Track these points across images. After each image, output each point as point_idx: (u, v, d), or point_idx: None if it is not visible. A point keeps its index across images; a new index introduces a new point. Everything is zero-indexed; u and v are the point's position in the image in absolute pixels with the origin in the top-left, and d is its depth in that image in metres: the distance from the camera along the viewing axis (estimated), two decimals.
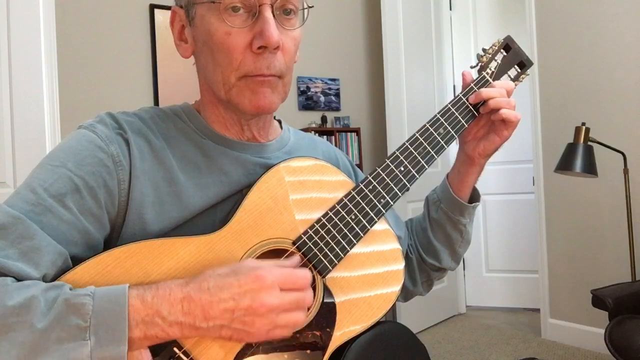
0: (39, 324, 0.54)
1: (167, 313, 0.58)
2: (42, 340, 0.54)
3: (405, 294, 0.96)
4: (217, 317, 0.59)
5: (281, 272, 0.62)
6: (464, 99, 0.84)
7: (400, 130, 3.25)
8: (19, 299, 0.55)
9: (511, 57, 0.89)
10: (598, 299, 2.02)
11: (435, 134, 0.81)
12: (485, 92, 0.83)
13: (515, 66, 0.89)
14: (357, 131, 3.59)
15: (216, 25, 0.69)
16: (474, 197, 0.92)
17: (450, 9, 3.78)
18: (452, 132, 0.82)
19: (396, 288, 0.77)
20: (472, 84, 0.85)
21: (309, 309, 0.69)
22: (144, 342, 0.58)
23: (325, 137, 3.58)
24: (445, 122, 0.82)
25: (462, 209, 0.89)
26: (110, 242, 0.69)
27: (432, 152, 0.80)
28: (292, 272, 0.63)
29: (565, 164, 2.39)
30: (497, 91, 0.83)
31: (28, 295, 0.55)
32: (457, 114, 0.83)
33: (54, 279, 0.61)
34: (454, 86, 3.74)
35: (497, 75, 0.88)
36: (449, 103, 0.84)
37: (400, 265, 0.78)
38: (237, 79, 0.71)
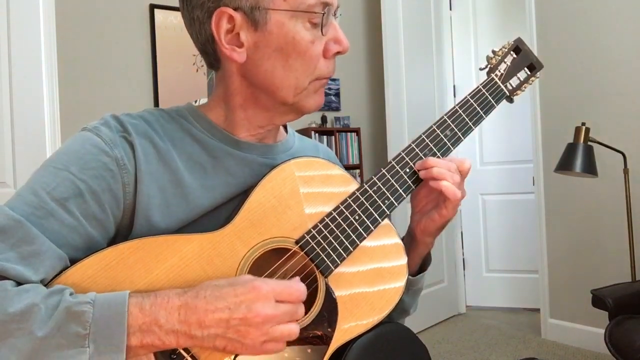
0: (39, 331, 0.54)
1: (164, 321, 0.58)
2: (42, 347, 0.54)
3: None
4: (212, 326, 0.59)
5: (277, 283, 0.63)
6: (471, 101, 0.83)
7: (400, 130, 3.24)
8: (19, 305, 0.55)
9: (521, 59, 0.88)
10: (598, 299, 2.02)
11: (442, 136, 0.81)
12: (432, 161, 0.77)
13: (525, 68, 0.88)
14: (357, 131, 3.59)
15: (302, 34, 0.70)
16: (424, 263, 0.87)
17: (450, 9, 3.78)
18: (459, 134, 0.82)
19: (399, 283, 0.77)
20: (480, 86, 0.85)
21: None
22: (140, 350, 0.58)
23: (325, 137, 3.58)
24: (452, 123, 0.82)
25: (408, 283, 0.82)
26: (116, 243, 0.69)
27: (438, 154, 0.80)
28: (288, 283, 0.64)
29: (565, 164, 2.39)
30: (445, 164, 0.77)
31: (29, 302, 0.55)
32: (464, 115, 0.82)
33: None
34: (454, 86, 3.74)
35: (506, 77, 0.86)
36: (456, 106, 0.84)
37: (403, 260, 0.78)
38: (308, 83, 0.73)
